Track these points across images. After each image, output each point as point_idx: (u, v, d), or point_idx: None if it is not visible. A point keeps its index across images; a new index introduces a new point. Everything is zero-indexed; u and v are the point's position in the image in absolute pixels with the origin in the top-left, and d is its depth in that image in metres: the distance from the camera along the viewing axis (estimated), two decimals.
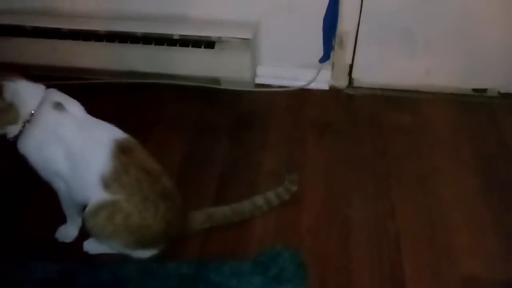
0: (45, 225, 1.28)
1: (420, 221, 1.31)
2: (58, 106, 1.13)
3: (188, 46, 1.69)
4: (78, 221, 1.25)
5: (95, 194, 1.11)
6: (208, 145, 1.57)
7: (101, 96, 1.71)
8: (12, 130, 1.13)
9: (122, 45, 1.70)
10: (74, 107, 1.16)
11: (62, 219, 1.26)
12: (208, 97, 1.77)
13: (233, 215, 1.27)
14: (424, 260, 1.21)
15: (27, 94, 1.12)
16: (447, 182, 1.42)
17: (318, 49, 1.70)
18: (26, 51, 1.76)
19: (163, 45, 1.70)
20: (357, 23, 1.67)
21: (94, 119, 1.18)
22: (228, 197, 1.34)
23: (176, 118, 1.68)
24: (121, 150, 1.12)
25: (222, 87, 1.80)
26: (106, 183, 1.10)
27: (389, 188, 1.40)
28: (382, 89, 1.78)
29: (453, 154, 1.52)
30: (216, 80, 1.80)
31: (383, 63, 1.74)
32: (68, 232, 1.26)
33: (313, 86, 1.78)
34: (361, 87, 1.79)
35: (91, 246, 1.23)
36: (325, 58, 1.72)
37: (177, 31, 1.70)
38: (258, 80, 1.82)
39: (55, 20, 1.74)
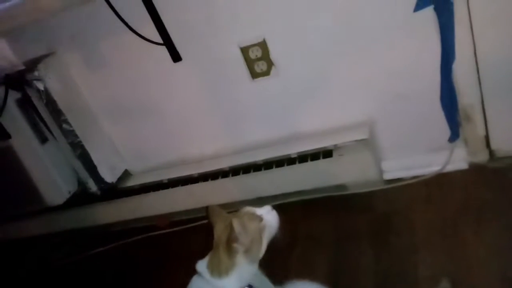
0: None
1: None
2: None
3: (307, 160, 1.70)
4: None
5: None
6: (353, 257, 1.47)
7: None
8: None
9: (246, 175, 1.78)
10: None
11: None
12: (339, 205, 1.70)
13: None
14: None
15: None
16: None
17: (442, 130, 1.58)
18: (167, 201, 1.93)
19: (283, 165, 1.73)
20: (479, 93, 1.53)
21: None
22: None
23: (312, 234, 1.63)
24: None
25: (350, 192, 1.73)
26: None
27: None
28: None
29: None
30: (342, 187, 1.75)
31: None
32: None
33: (449, 168, 1.62)
34: (506, 157, 1.58)
35: None
36: (454, 136, 1.58)
37: (293, 149, 1.73)
38: (387, 176, 1.72)
39: (186, 168, 1.91)
